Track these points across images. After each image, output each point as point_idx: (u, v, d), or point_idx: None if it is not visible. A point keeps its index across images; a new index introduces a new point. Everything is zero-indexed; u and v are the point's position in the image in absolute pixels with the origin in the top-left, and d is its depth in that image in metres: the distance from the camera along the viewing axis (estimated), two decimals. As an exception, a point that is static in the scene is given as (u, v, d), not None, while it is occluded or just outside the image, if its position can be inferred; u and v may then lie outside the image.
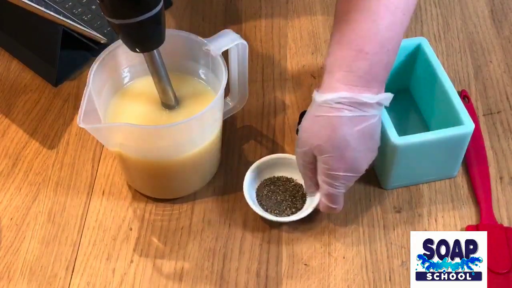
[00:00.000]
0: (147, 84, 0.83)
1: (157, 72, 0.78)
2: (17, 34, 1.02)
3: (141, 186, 0.86)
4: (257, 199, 0.84)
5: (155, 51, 0.76)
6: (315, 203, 0.81)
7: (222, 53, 0.81)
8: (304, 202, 0.83)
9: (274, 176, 0.86)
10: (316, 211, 0.83)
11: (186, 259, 0.81)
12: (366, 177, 0.87)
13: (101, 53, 0.80)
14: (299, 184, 0.85)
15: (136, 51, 0.75)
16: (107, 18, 0.70)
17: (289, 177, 0.86)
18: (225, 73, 0.78)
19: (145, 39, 0.73)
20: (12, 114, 0.96)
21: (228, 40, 0.80)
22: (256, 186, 0.85)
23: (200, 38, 0.82)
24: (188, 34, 0.83)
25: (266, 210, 0.82)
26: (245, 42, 0.82)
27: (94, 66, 0.79)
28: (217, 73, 0.82)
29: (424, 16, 1.07)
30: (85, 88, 0.76)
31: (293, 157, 0.85)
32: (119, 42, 0.80)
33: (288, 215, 0.82)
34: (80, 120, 0.73)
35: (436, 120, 0.88)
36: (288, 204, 0.83)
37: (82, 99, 0.75)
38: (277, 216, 0.82)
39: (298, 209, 0.83)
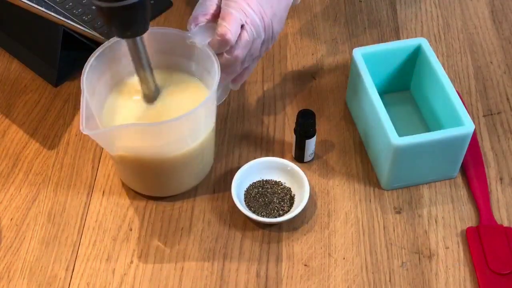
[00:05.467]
0: (137, 82, 0.83)
1: (140, 60, 0.78)
2: (18, 34, 1.02)
3: (137, 184, 0.86)
4: (245, 201, 0.84)
5: (138, 38, 0.76)
6: (302, 205, 0.82)
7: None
8: (291, 205, 0.84)
9: (262, 179, 0.86)
10: (304, 213, 0.83)
11: (186, 259, 0.81)
12: (366, 177, 0.87)
13: (90, 57, 0.80)
14: (287, 187, 0.85)
15: (123, 37, 0.75)
16: (99, 3, 0.71)
17: (277, 180, 0.86)
18: (218, 67, 0.78)
19: (133, 23, 0.74)
20: (12, 115, 0.96)
21: (212, 30, 0.80)
22: (245, 188, 0.85)
23: (184, 31, 0.82)
24: (171, 29, 0.83)
25: (254, 212, 0.83)
26: None
27: (85, 72, 0.78)
28: (206, 67, 0.82)
29: (424, 17, 1.07)
30: (81, 94, 0.76)
31: (283, 160, 0.86)
32: (104, 46, 0.80)
33: (275, 217, 0.82)
34: (83, 127, 0.73)
35: (436, 121, 0.88)
36: (276, 207, 0.83)
37: (81, 105, 0.75)
38: (263, 217, 0.82)
39: (286, 212, 0.83)
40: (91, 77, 0.79)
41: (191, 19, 0.81)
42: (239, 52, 0.80)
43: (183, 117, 0.76)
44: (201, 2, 0.82)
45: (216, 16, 0.80)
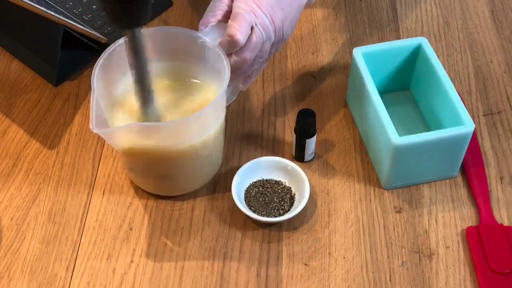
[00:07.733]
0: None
1: (138, 55, 0.75)
2: (18, 34, 1.02)
3: (145, 183, 0.86)
4: (245, 200, 0.84)
5: (136, 31, 0.73)
6: (302, 205, 0.82)
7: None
8: (291, 204, 0.84)
9: (263, 179, 0.86)
10: (304, 213, 0.83)
11: (186, 259, 0.81)
12: (366, 177, 0.87)
13: (101, 56, 0.80)
14: (288, 187, 0.85)
15: (123, 27, 0.72)
16: None
17: (277, 180, 0.86)
18: (228, 68, 0.78)
19: (136, 11, 0.71)
20: (12, 114, 0.96)
21: (223, 31, 0.80)
22: (245, 187, 0.85)
23: (194, 31, 0.82)
24: (182, 29, 0.83)
25: (254, 211, 0.83)
26: None
27: (96, 70, 0.78)
28: (216, 67, 0.82)
29: (424, 16, 1.07)
30: (91, 93, 0.76)
31: (283, 160, 0.86)
32: (117, 43, 0.80)
33: (275, 217, 0.82)
34: (93, 126, 0.73)
35: (436, 120, 0.88)
36: (276, 206, 0.83)
37: (91, 104, 0.75)
38: (263, 216, 0.82)
39: (286, 211, 0.83)
40: (101, 76, 0.79)
41: (202, 19, 0.81)
42: (248, 54, 0.80)
43: (191, 117, 0.76)
44: (212, 3, 0.82)
45: (227, 17, 0.80)
